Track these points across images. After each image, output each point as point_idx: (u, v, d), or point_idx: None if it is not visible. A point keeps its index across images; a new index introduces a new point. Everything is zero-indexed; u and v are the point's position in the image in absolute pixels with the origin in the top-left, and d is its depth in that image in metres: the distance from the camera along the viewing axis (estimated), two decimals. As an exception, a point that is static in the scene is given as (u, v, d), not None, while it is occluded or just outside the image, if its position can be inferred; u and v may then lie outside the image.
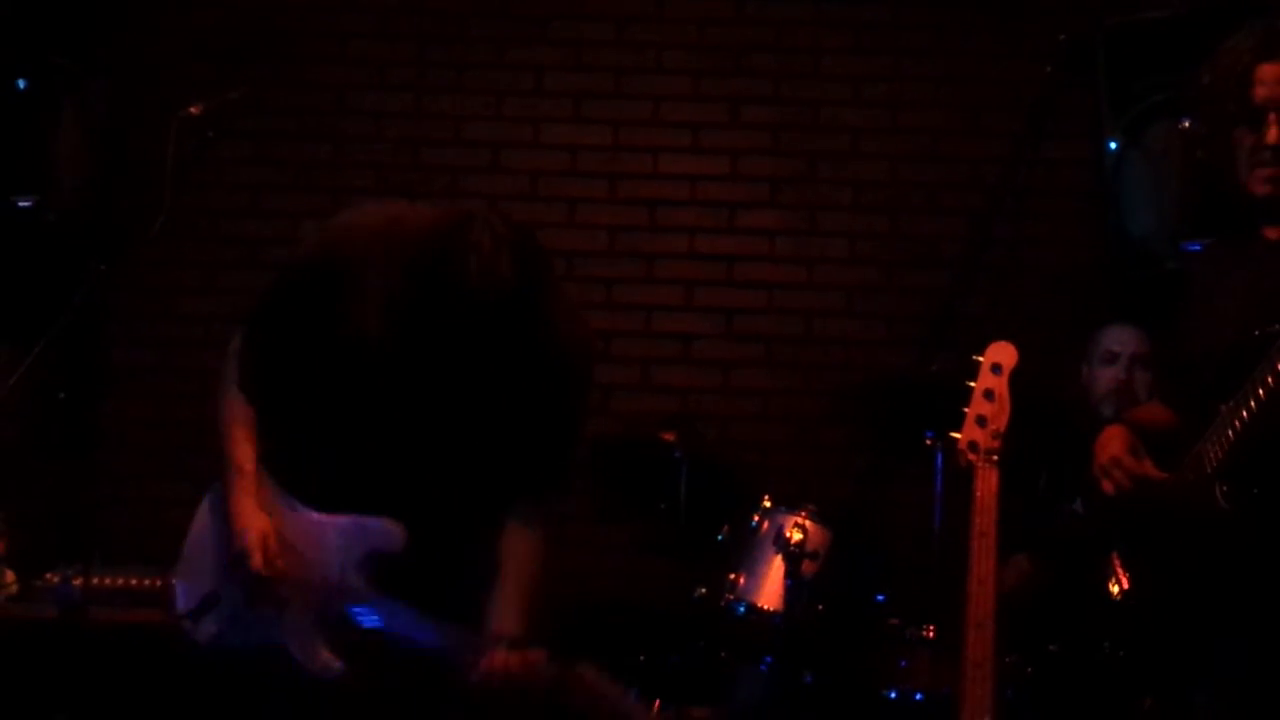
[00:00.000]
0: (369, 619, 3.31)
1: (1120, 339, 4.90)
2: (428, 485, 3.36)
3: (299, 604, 3.30)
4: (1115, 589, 3.37)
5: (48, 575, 4.84)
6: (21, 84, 5.23)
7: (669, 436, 5.06)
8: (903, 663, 4.52)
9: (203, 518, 3.49)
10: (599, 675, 3.31)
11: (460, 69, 5.98)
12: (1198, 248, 4.78)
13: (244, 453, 3.37)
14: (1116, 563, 3.38)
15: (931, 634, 4.51)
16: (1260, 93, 3.19)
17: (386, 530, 3.29)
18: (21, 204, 5.22)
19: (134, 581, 4.80)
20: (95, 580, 4.58)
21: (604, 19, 5.98)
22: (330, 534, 3.32)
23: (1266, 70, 3.19)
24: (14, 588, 4.88)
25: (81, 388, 4.74)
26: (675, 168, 5.95)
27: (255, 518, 3.31)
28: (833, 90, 5.96)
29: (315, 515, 3.34)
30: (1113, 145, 5.32)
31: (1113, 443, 3.37)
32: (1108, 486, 3.34)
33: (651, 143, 5.96)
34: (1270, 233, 3.28)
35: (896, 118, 5.94)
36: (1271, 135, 3.17)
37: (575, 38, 5.98)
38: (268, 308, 3.45)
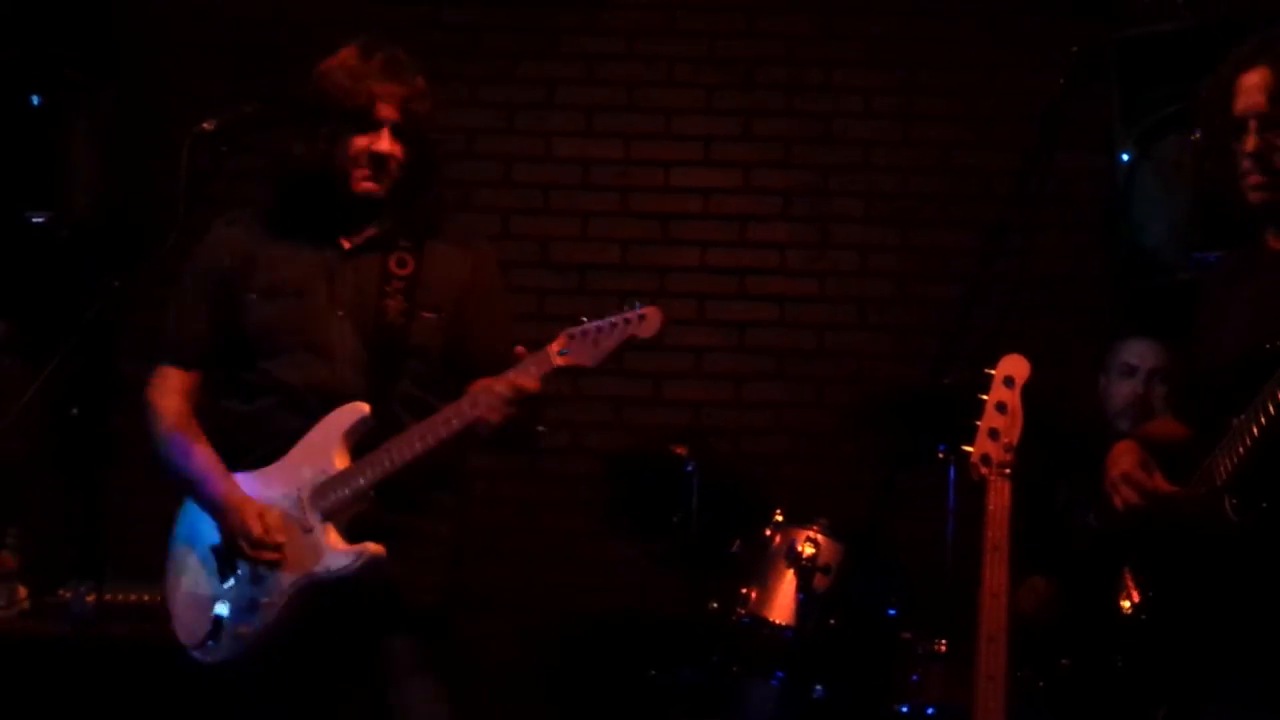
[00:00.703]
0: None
1: (1139, 353, 4.87)
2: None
3: (301, 533, 3.36)
4: (1126, 604, 3.37)
5: (60, 591, 4.85)
6: (35, 99, 5.24)
7: (681, 450, 5.06)
8: (915, 677, 4.52)
9: (174, 559, 3.59)
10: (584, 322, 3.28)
11: (472, 83, 5.99)
12: (1210, 259, 4.78)
13: (205, 454, 3.50)
14: (1128, 577, 3.38)
15: (944, 648, 4.51)
16: (1240, 103, 3.21)
17: (351, 409, 3.38)
18: (35, 219, 5.23)
19: (146, 597, 4.79)
20: (108, 596, 4.58)
21: (615, 33, 5.99)
22: (301, 455, 3.40)
23: (1246, 79, 3.21)
24: (26, 604, 4.89)
25: (94, 402, 4.74)
26: (687, 181, 5.96)
27: (243, 496, 3.42)
28: (844, 103, 5.96)
29: (280, 460, 3.43)
30: (1125, 157, 5.31)
31: (1124, 457, 3.38)
32: (1118, 501, 3.34)
33: (663, 156, 5.97)
34: (1273, 242, 3.28)
35: (908, 130, 5.94)
36: (1249, 144, 3.18)
37: (587, 51, 5.99)
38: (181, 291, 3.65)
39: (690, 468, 4.99)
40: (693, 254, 5.94)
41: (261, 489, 3.43)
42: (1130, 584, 3.36)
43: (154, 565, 5.13)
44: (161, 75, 5.85)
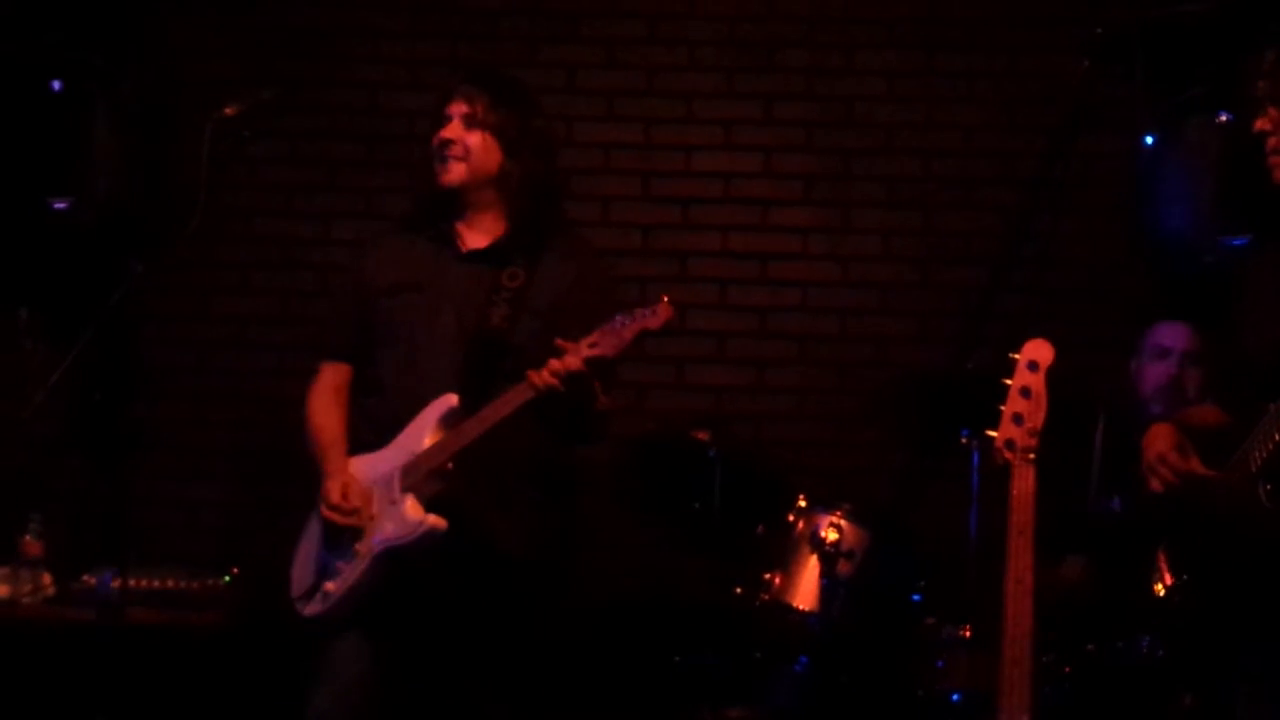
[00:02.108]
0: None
1: (1172, 335, 4.84)
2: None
3: (387, 505, 3.70)
4: (1159, 586, 3.36)
5: (85, 577, 4.86)
6: (56, 85, 5.25)
7: (703, 435, 5.05)
8: (939, 662, 4.50)
9: (307, 526, 3.94)
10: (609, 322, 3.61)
11: (497, 73, 5.95)
12: (1236, 242, 4.76)
13: (326, 435, 3.90)
14: (1162, 560, 3.37)
15: (968, 633, 4.50)
16: (1262, 86, 3.19)
17: (443, 400, 3.72)
18: (57, 205, 5.24)
19: (170, 583, 4.82)
20: (132, 582, 4.60)
21: (636, 16, 5.97)
22: (404, 439, 3.75)
23: (1270, 60, 3.20)
24: (51, 589, 4.90)
25: (117, 388, 4.75)
26: (708, 165, 5.94)
27: (336, 473, 3.81)
28: (866, 86, 5.93)
29: (382, 449, 3.80)
30: (1149, 140, 5.29)
31: (1159, 440, 3.37)
32: (1154, 484, 3.33)
33: (684, 140, 5.94)
34: None
35: (930, 113, 5.91)
36: (1260, 123, 3.18)
37: (607, 35, 5.97)
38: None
39: (713, 453, 4.97)
40: (714, 239, 5.93)
41: (369, 469, 3.80)
42: (1164, 566, 3.35)
43: (177, 551, 5.21)
44: (181, 60, 5.85)
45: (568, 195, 5.74)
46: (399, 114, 5.84)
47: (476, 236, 3.92)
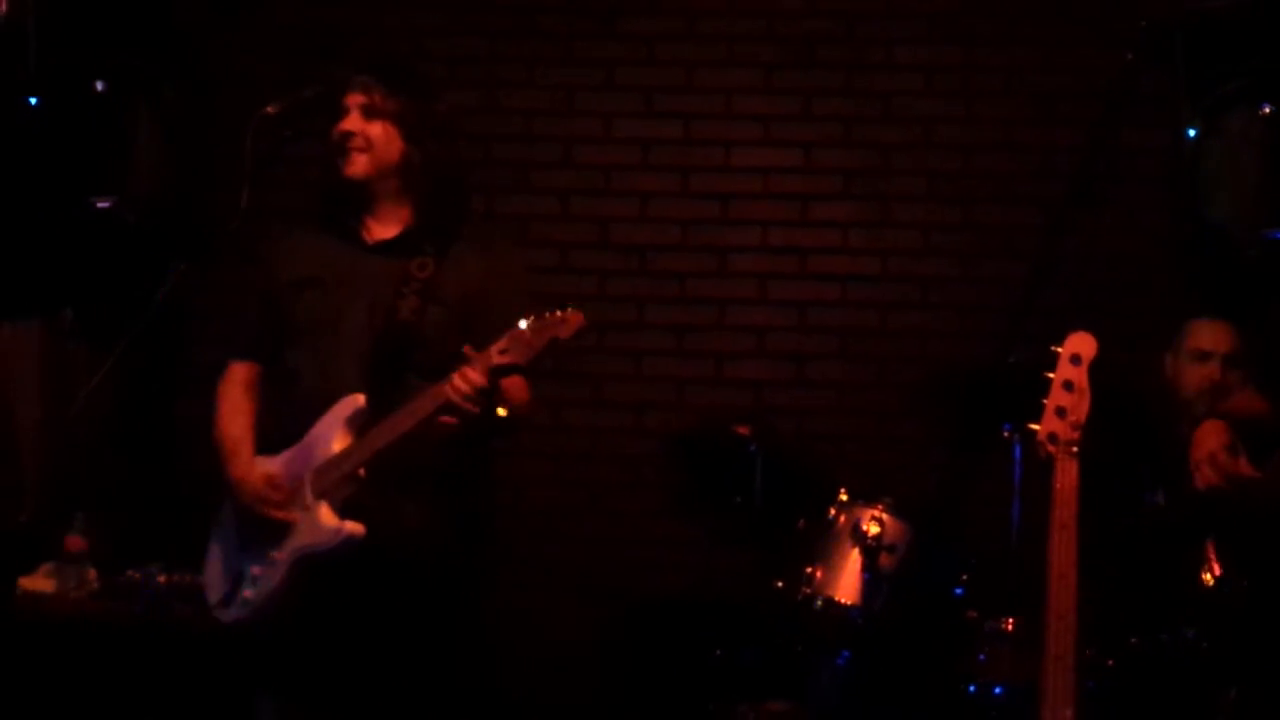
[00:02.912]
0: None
1: (1212, 338, 4.74)
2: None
3: (301, 510, 3.58)
4: (1208, 576, 3.35)
5: (128, 572, 4.89)
6: (99, 85, 5.28)
7: (744, 430, 5.05)
8: (982, 656, 4.49)
9: (215, 530, 3.83)
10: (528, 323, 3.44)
11: (531, 64, 6.00)
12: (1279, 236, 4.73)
13: (232, 432, 3.75)
14: (1211, 551, 3.35)
15: (1010, 627, 4.49)
16: None
17: (349, 400, 3.60)
18: (100, 205, 5.27)
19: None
20: (176, 577, 4.62)
21: (674, 13, 5.97)
22: (311, 440, 3.63)
23: None
24: (96, 585, 4.93)
25: (159, 386, 4.79)
26: (747, 161, 5.94)
27: (250, 469, 3.68)
28: (905, 81, 5.92)
29: (293, 447, 3.67)
30: (1191, 132, 5.26)
31: (1211, 438, 3.36)
32: (1200, 480, 3.32)
33: (723, 136, 5.95)
34: None
35: (969, 107, 5.90)
36: None
37: (646, 32, 5.98)
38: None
39: (753, 448, 4.98)
40: (754, 234, 5.93)
41: (279, 469, 3.67)
42: (1213, 558, 3.34)
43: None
44: (222, 61, 5.88)
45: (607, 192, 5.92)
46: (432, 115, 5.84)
47: (384, 228, 3.79)
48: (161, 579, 4.34)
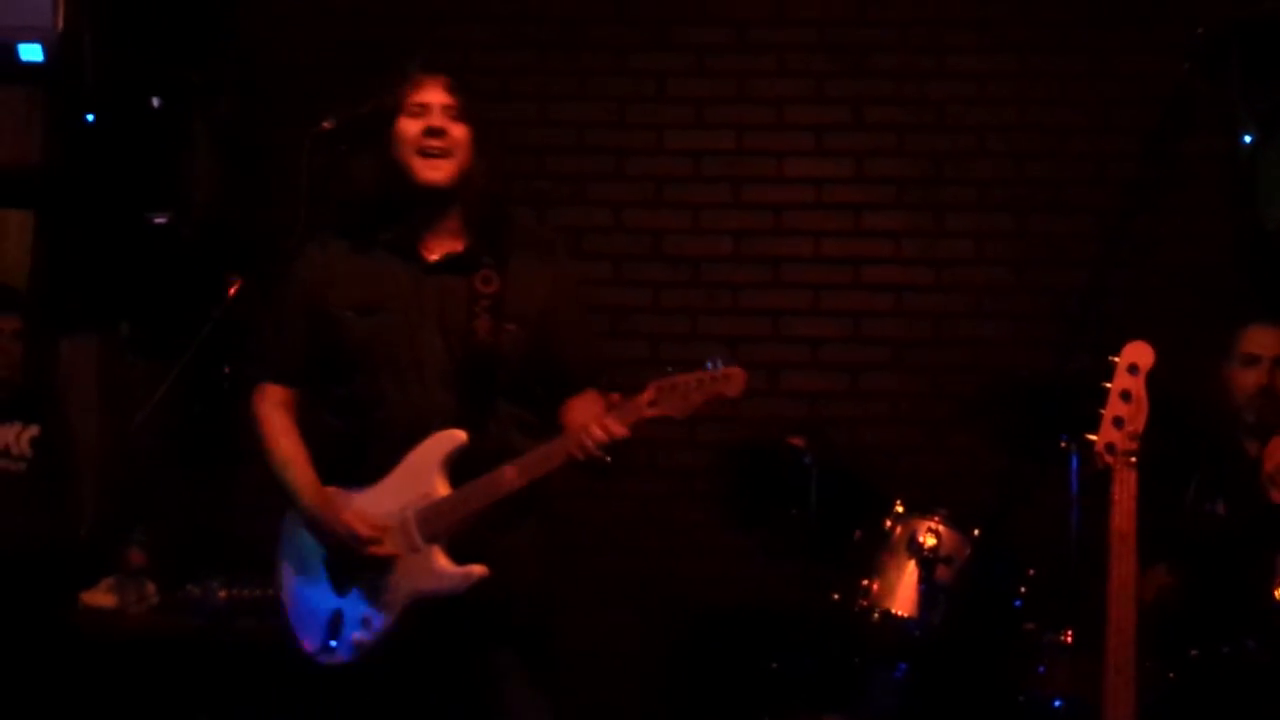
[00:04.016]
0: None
1: (1261, 341, 4.72)
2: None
3: (408, 551, 3.47)
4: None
5: (188, 586, 4.92)
6: (155, 102, 5.32)
7: (798, 441, 5.05)
8: (1040, 668, 4.46)
9: (286, 566, 3.69)
10: (670, 373, 3.35)
11: (582, 77, 6.01)
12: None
13: (301, 468, 3.59)
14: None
15: (1069, 638, 4.45)
16: None
17: (449, 436, 3.46)
18: (157, 220, 5.31)
19: (270, 592, 4.84)
20: (235, 591, 4.65)
21: (725, 23, 5.98)
22: (407, 476, 3.49)
23: None
24: (155, 599, 4.97)
25: (217, 400, 4.82)
26: (799, 171, 5.94)
27: (338, 506, 3.52)
28: (957, 89, 5.91)
29: (381, 482, 3.52)
30: (1247, 138, 5.23)
31: None
32: (1276, 495, 3.29)
33: (775, 146, 5.95)
34: None
35: (1022, 115, 5.88)
36: None
37: (697, 43, 5.99)
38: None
39: (808, 459, 4.97)
40: (806, 244, 5.92)
41: (369, 505, 3.52)
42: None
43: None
44: (277, 75, 5.92)
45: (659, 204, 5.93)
46: (490, 124, 5.87)
47: (441, 243, 3.59)
48: (222, 593, 4.36)
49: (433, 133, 3.53)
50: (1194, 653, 4.23)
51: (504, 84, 5.94)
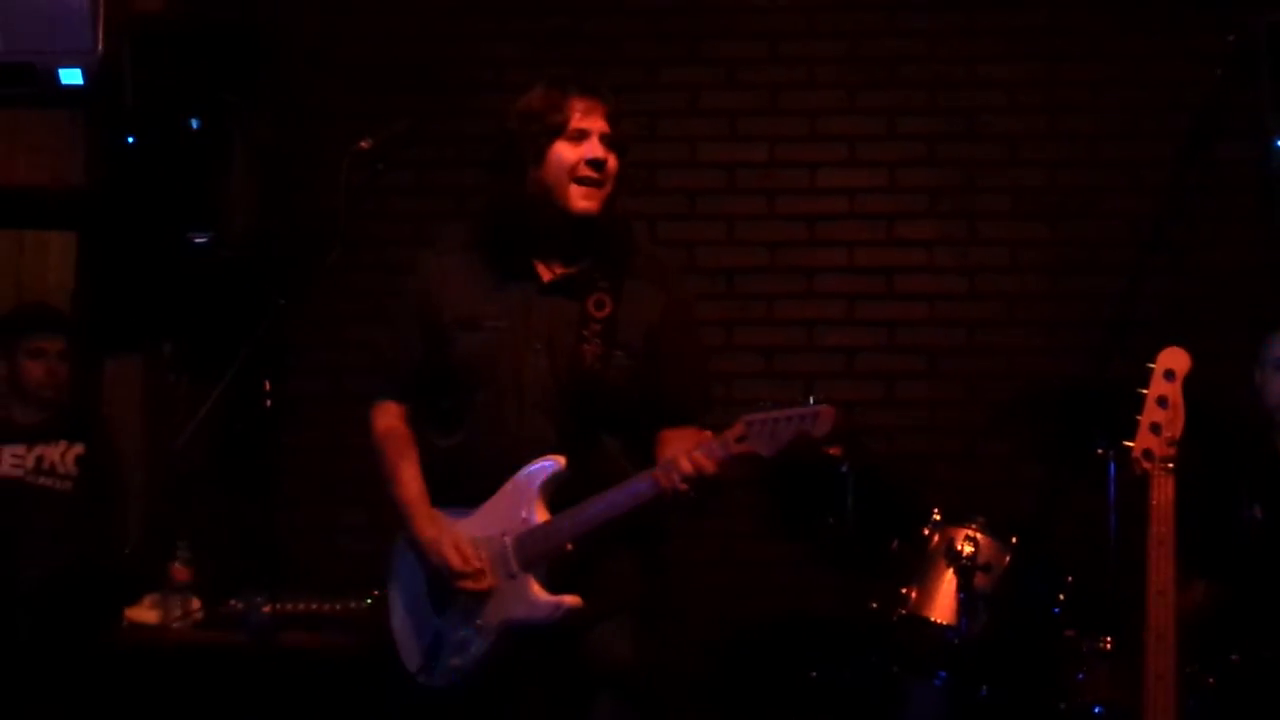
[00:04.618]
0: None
1: None
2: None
3: (504, 578, 3.47)
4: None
5: (231, 602, 4.96)
6: (194, 123, 5.37)
7: (835, 451, 5.05)
8: (1080, 675, 4.46)
9: (397, 586, 3.71)
10: (761, 411, 3.29)
11: (615, 91, 6.02)
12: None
13: (411, 489, 3.59)
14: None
15: (1109, 645, 4.45)
16: None
17: (549, 463, 3.45)
18: (197, 240, 5.35)
19: (315, 606, 4.89)
20: (280, 606, 4.68)
21: (757, 37, 6.01)
22: (507, 502, 3.48)
23: None
24: (200, 614, 5.00)
25: (259, 418, 4.85)
26: (833, 181, 5.96)
27: (439, 530, 3.52)
28: (989, 98, 5.93)
29: (482, 507, 3.52)
30: (1278, 144, 5.22)
31: None
32: None
33: (808, 158, 5.97)
34: None
35: (1054, 123, 5.90)
36: None
37: (729, 56, 6.02)
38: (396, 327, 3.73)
39: (845, 468, 4.99)
40: (840, 254, 5.95)
41: (469, 530, 3.53)
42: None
43: (320, 576, 5.29)
44: (313, 95, 5.98)
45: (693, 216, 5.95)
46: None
47: (557, 265, 3.55)
48: (266, 608, 4.38)
49: (595, 164, 3.46)
50: (1234, 658, 4.24)
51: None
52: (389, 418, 3.68)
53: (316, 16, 6.08)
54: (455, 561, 3.46)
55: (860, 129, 5.97)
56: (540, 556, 3.43)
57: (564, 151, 3.46)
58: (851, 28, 5.98)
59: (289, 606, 4.79)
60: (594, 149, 3.46)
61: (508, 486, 3.49)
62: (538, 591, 3.43)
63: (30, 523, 5.00)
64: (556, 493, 3.45)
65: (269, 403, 4.26)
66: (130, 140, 5.40)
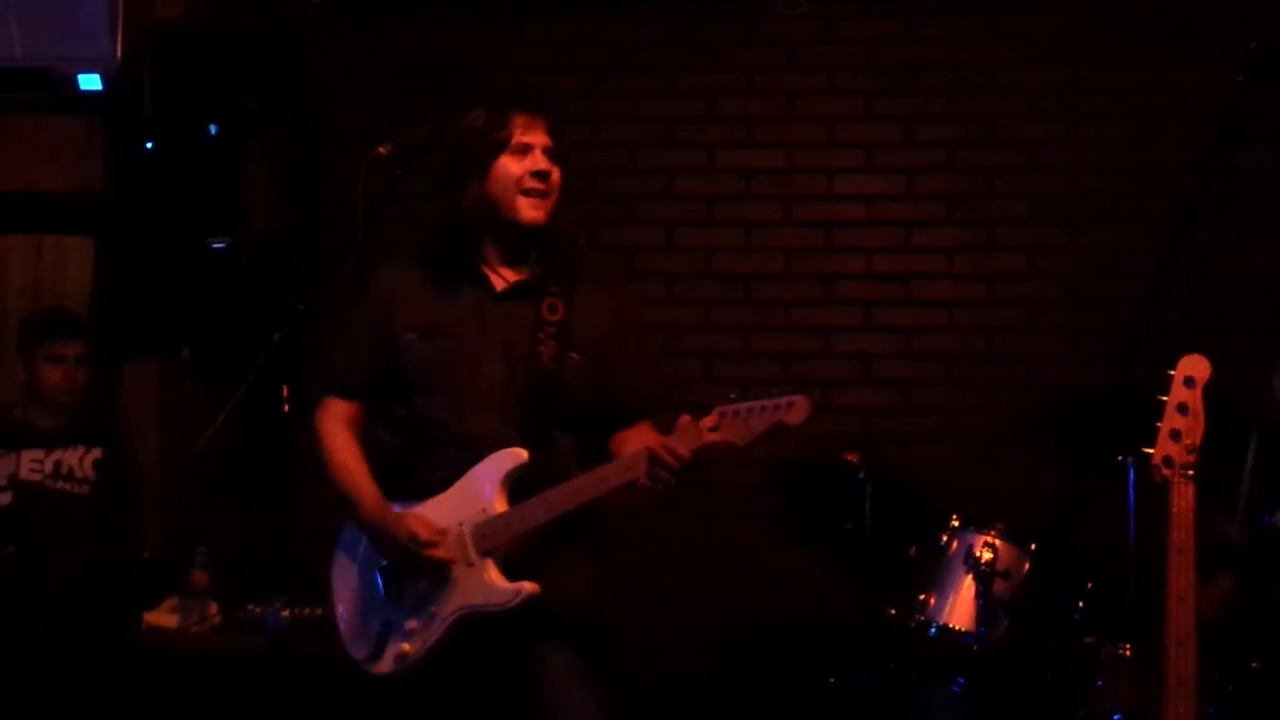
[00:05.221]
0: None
1: None
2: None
3: (461, 561, 3.52)
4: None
5: (249, 606, 4.97)
6: (213, 129, 5.38)
7: (852, 457, 5.05)
8: (1099, 682, 4.45)
9: (341, 576, 3.74)
10: (734, 400, 3.35)
11: (633, 98, 6.05)
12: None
13: (361, 478, 3.65)
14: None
15: (1128, 652, 4.44)
16: None
17: (511, 454, 3.51)
18: (215, 245, 5.36)
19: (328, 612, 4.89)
20: (298, 611, 4.69)
21: (775, 44, 6.01)
22: (465, 492, 3.54)
23: None
24: (217, 619, 5.01)
25: (277, 423, 4.86)
26: (850, 188, 5.96)
27: (397, 514, 3.57)
28: (1007, 104, 5.92)
29: (438, 496, 3.57)
30: (1299, 150, 5.22)
31: None
32: None
33: (826, 164, 5.97)
34: None
35: (1074, 130, 5.88)
36: None
37: (747, 63, 6.03)
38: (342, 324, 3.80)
39: (862, 475, 4.98)
40: (858, 261, 5.94)
41: (429, 518, 3.56)
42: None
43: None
44: (331, 101, 5.99)
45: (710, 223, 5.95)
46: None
47: (510, 271, 3.66)
48: (284, 613, 4.40)
49: (539, 175, 3.59)
50: (1254, 665, 4.23)
51: (556, 106, 5.94)
52: (332, 414, 3.74)
53: (335, 23, 6.08)
54: (423, 532, 3.50)
55: (879, 135, 5.96)
56: (501, 546, 3.50)
57: (509, 165, 3.60)
58: (870, 34, 5.98)
59: (307, 611, 4.79)
60: (538, 161, 3.60)
61: (468, 477, 3.55)
62: (496, 578, 3.49)
63: (49, 527, 5.01)
64: (517, 484, 3.52)
65: (287, 408, 4.27)
66: (149, 145, 5.42)
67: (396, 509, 3.59)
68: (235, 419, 4.22)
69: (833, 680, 5.03)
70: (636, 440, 3.53)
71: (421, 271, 3.71)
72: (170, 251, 5.43)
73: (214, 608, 5.03)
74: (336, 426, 3.72)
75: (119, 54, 5.46)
